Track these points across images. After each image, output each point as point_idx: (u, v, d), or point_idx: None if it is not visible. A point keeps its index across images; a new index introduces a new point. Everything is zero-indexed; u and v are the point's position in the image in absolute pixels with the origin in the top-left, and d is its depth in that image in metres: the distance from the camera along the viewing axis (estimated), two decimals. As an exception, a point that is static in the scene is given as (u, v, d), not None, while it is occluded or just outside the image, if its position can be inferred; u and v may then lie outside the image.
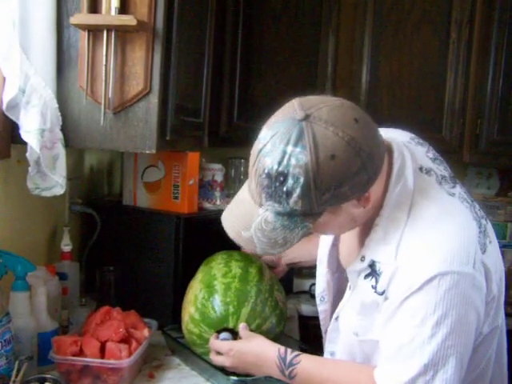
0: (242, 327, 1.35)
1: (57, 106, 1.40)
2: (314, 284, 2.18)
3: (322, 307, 1.41)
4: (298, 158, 0.92)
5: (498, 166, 2.67)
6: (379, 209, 1.07)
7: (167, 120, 1.48)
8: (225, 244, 1.57)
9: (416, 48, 2.33)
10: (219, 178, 1.94)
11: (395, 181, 1.06)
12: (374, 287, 1.07)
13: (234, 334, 1.36)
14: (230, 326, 1.36)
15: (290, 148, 0.93)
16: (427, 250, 1.02)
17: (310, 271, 1.87)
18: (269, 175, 0.95)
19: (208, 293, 1.39)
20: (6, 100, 1.29)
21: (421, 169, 1.13)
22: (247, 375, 1.31)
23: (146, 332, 1.43)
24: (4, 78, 1.30)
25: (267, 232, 1.00)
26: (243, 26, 2.23)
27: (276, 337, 1.41)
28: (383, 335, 1.08)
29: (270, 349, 1.27)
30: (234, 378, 1.31)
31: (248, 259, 1.48)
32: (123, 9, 1.36)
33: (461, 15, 2.24)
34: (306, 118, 0.95)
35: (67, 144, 1.43)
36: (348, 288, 1.20)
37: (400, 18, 2.31)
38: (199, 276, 1.47)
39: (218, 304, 1.37)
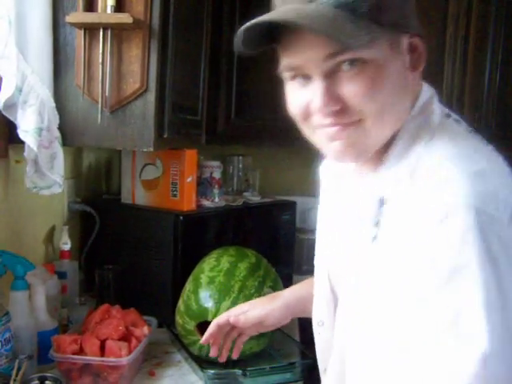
0: None
1: (54, 104, 1.40)
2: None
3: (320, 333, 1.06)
4: None
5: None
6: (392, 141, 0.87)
7: (164, 118, 1.48)
8: (223, 241, 1.58)
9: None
10: (217, 175, 1.93)
11: (418, 112, 0.88)
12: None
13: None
14: (210, 318, 1.35)
15: None
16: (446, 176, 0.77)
17: (308, 268, 1.86)
18: None
19: (193, 285, 1.43)
20: (3, 99, 1.28)
21: (448, 115, 0.91)
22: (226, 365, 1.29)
23: (145, 330, 1.43)
24: (0, 78, 1.30)
25: None
26: (240, 23, 2.23)
27: (265, 333, 1.37)
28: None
29: None
30: (211, 371, 1.33)
31: (242, 255, 1.48)
32: (119, 7, 1.36)
33: (457, 9, 2.23)
34: None
35: (65, 143, 1.43)
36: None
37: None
38: (194, 269, 1.50)
39: (199, 297, 1.39)
